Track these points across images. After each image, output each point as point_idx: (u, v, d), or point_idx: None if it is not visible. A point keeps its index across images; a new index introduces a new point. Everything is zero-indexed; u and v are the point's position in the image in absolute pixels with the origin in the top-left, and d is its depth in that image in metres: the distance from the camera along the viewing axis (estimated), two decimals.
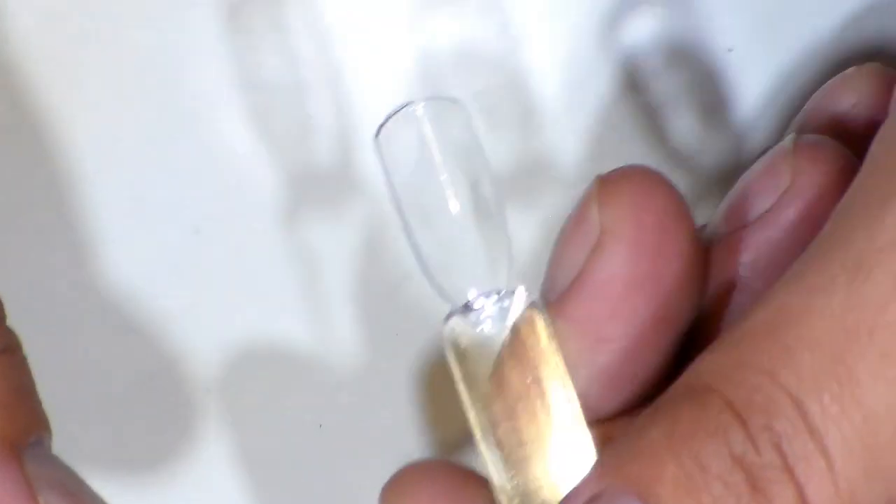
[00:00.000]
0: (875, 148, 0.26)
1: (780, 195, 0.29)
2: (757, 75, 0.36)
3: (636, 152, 0.36)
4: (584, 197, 0.28)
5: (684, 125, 0.36)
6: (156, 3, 0.33)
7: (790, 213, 0.28)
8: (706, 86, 0.36)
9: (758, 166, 0.30)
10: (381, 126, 0.26)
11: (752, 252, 0.29)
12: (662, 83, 0.36)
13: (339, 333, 0.35)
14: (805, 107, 0.32)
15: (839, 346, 0.24)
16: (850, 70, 0.31)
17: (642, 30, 0.35)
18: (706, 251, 0.29)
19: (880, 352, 0.24)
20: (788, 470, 0.24)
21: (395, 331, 0.35)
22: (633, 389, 0.28)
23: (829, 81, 0.32)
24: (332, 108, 0.34)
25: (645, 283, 0.27)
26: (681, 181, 0.36)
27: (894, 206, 0.24)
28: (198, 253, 0.34)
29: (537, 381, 0.27)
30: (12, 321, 0.28)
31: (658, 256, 0.27)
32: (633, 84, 0.35)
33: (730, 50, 0.35)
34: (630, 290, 0.27)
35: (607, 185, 0.27)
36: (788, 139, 0.29)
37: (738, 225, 0.29)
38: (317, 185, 0.34)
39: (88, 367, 0.34)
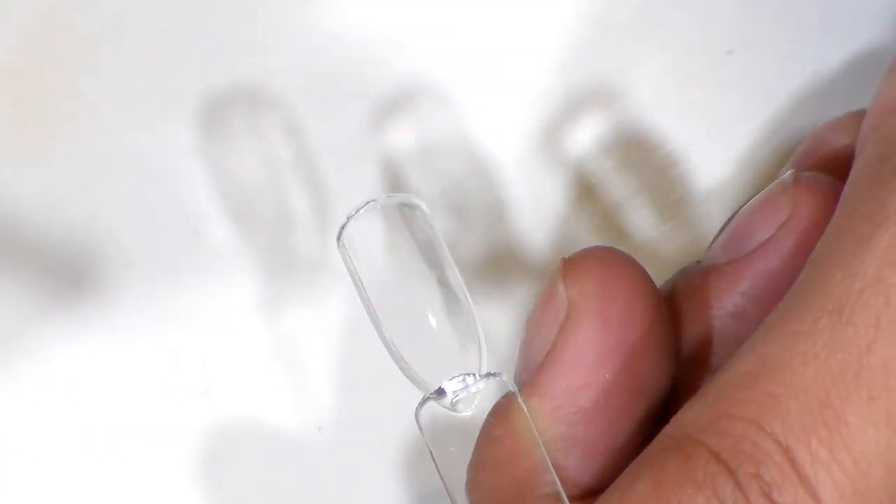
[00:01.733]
0: (847, 191, 0.26)
1: (780, 226, 0.29)
2: (757, 77, 0.36)
3: (601, 241, 0.36)
4: (551, 278, 0.28)
5: (644, 216, 0.37)
6: (138, 107, 0.34)
7: (790, 243, 0.28)
8: (661, 180, 0.36)
9: (757, 200, 0.30)
10: (343, 228, 0.27)
11: (751, 280, 0.29)
12: (620, 179, 0.36)
13: (322, 414, 0.36)
14: (798, 148, 0.33)
15: (825, 390, 0.24)
16: (842, 115, 0.32)
17: (593, 128, 0.36)
18: (674, 319, 0.29)
19: (868, 394, 0.24)
20: None
21: (377, 407, 0.35)
22: (611, 459, 0.28)
23: (822, 125, 0.33)
24: (308, 202, 0.34)
25: (615, 352, 0.27)
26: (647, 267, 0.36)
27: (871, 246, 0.25)
28: (184, 338, 0.35)
29: (516, 461, 0.27)
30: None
31: (626, 325, 0.27)
32: (590, 180, 0.36)
33: (729, 52, 0.36)
34: (601, 359, 0.27)
35: (572, 264, 0.28)
36: (788, 174, 0.30)
37: (736, 255, 0.30)
38: (296, 274, 0.35)
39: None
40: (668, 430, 0.25)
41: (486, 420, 0.28)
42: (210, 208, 0.34)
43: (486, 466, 0.28)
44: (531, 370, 0.28)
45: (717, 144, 0.37)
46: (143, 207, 0.34)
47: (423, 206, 0.27)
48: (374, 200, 0.26)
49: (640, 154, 0.36)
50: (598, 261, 0.28)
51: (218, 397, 0.35)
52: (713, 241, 0.31)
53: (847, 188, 0.26)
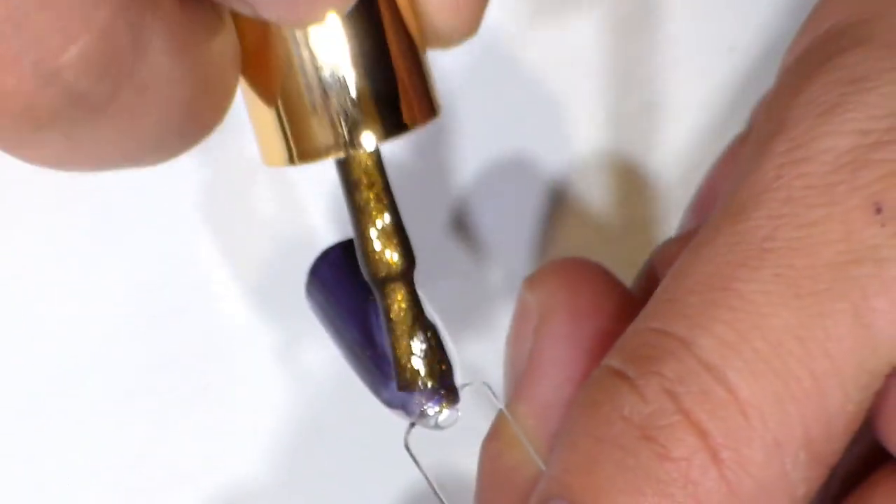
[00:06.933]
0: (757, 116, 0.26)
1: None
2: (757, 75, 0.36)
3: (602, 241, 0.37)
4: (519, 298, 0.28)
5: (643, 216, 0.37)
6: None
7: None
8: (661, 180, 0.36)
9: (718, 160, 0.30)
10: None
11: None
12: (618, 179, 0.36)
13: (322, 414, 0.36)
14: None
15: (727, 276, 0.23)
16: None
17: (592, 128, 0.35)
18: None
19: (773, 272, 0.23)
20: (682, 412, 0.23)
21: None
22: None
23: None
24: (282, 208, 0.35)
25: (590, 341, 0.27)
26: None
27: (769, 153, 0.24)
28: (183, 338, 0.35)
29: (514, 471, 0.27)
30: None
31: (597, 313, 0.27)
32: (588, 180, 0.36)
33: (731, 49, 0.36)
34: (578, 350, 0.27)
35: (536, 275, 0.28)
36: (745, 129, 0.30)
37: (705, 217, 0.29)
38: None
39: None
40: None
41: (483, 442, 0.28)
42: None
43: (489, 486, 0.28)
44: (516, 382, 0.28)
45: (718, 143, 0.37)
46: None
47: None
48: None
49: (640, 154, 0.37)
50: (560, 266, 0.28)
51: (218, 397, 0.35)
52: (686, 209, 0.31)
53: (759, 113, 0.26)
